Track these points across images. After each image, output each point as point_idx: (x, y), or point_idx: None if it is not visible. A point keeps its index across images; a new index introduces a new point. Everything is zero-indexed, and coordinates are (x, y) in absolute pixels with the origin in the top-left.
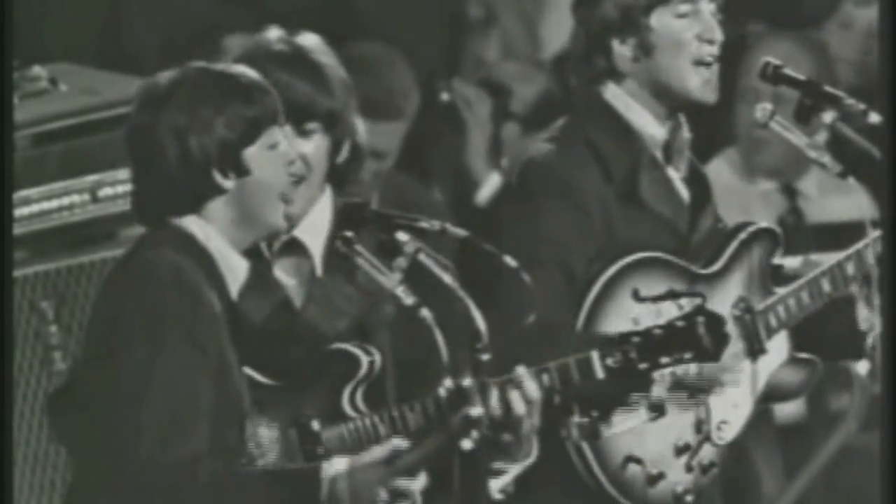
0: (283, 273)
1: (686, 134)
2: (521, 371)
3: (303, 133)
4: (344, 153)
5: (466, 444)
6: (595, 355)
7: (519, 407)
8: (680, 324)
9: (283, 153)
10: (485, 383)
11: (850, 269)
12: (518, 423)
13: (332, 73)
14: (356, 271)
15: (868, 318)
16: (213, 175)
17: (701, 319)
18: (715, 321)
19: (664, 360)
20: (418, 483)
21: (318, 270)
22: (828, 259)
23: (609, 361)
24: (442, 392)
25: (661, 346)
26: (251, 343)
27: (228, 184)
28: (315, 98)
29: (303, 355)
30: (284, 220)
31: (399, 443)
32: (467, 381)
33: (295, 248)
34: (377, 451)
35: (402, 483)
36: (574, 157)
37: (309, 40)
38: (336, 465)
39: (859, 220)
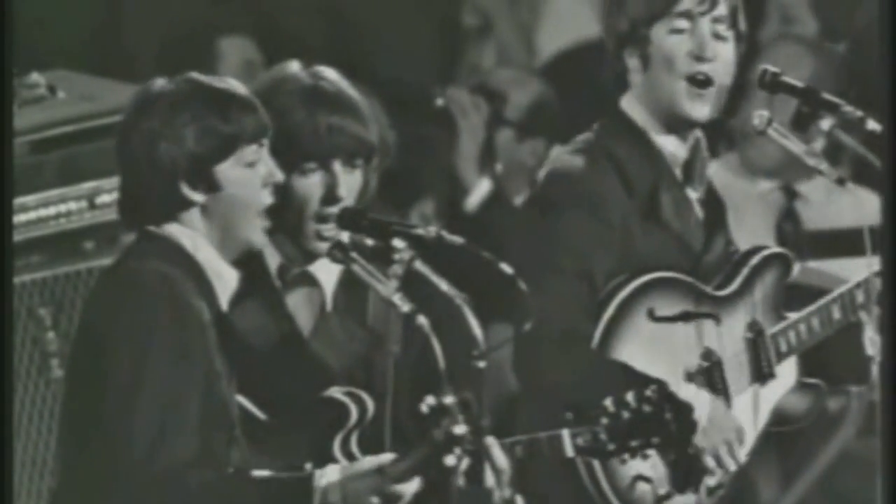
0: (294, 304)
1: (705, 154)
2: (490, 441)
3: (352, 168)
4: (373, 182)
5: (450, 461)
6: (566, 434)
7: (487, 479)
8: (647, 409)
9: (262, 173)
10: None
11: (860, 296)
12: (487, 495)
13: (366, 107)
14: (366, 309)
15: (875, 341)
16: (180, 187)
17: (668, 406)
18: (682, 408)
19: (633, 443)
20: (410, 487)
21: (329, 305)
22: (825, 266)
23: (579, 441)
24: (424, 408)
25: (630, 429)
26: (253, 372)
27: (198, 197)
28: (363, 138)
29: (305, 389)
30: (264, 236)
31: (388, 453)
32: (449, 399)
33: (308, 280)
34: (367, 462)
35: (393, 490)
36: (597, 170)
37: (333, 75)
38: (328, 476)
39: (857, 227)
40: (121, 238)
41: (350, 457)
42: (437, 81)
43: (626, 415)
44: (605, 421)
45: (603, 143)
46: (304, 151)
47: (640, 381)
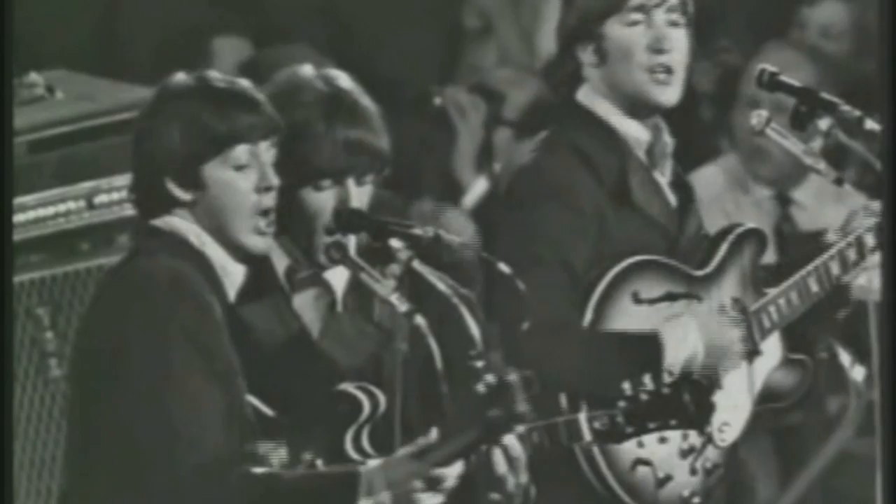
0: (303, 305)
1: (667, 139)
2: None
3: (362, 183)
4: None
5: (510, 440)
6: (583, 418)
7: (500, 466)
8: (666, 391)
9: (252, 178)
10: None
11: (835, 268)
12: (502, 481)
13: (379, 120)
14: (373, 309)
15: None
16: (165, 184)
17: (686, 387)
18: (700, 390)
19: (651, 425)
20: (455, 469)
21: (339, 306)
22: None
23: (596, 424)
24: (481, 388)
25: (648, 412)
26: (261, 371)
27: (184, 195)
28: (377, 151)
29: (315, 388)
30: (263, 238)
31: (431, 437)
32: (512, 376)
33: (318, 282)
34: (410, 446)
35: (435, 473)
36: (563, 162)
37: (348, 81)
38: (371, 461)
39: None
40: (117, 238)
41: (361, 452)
42: (438, 83)
43: (644, 397)
44: (622, 404)
45: (564, 137)
46: (321, 169)
47: (634, 348)
